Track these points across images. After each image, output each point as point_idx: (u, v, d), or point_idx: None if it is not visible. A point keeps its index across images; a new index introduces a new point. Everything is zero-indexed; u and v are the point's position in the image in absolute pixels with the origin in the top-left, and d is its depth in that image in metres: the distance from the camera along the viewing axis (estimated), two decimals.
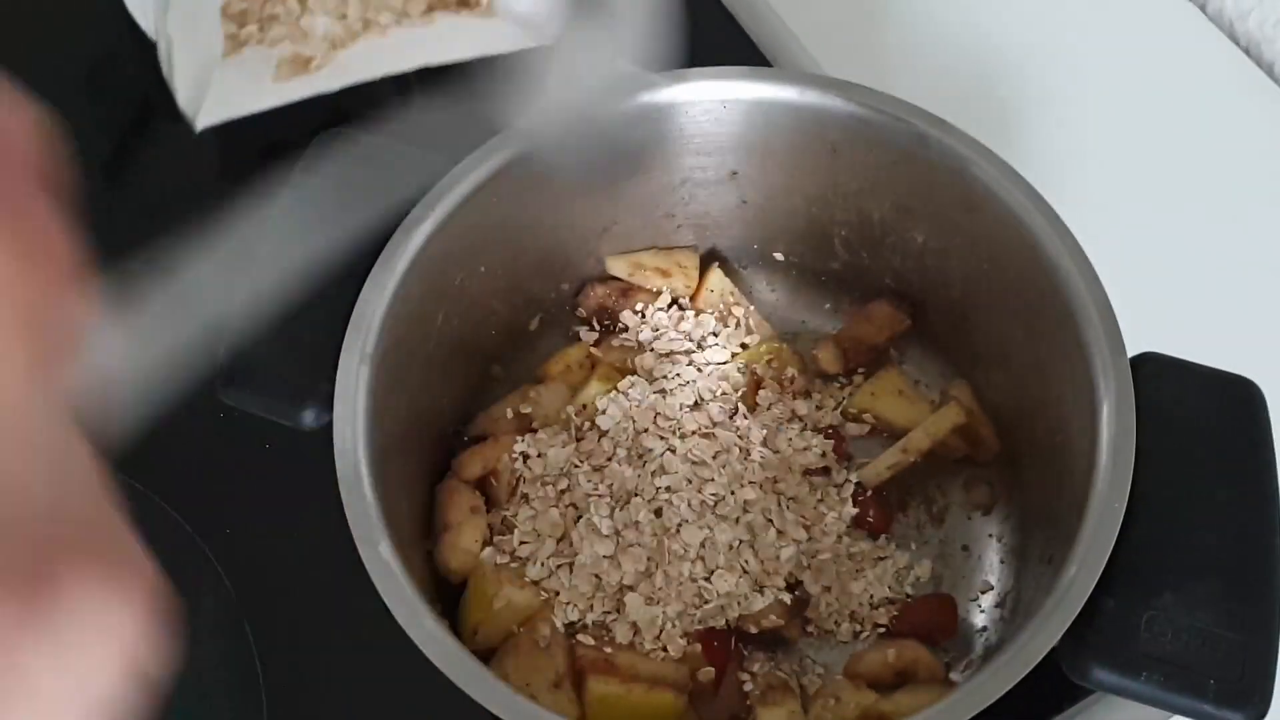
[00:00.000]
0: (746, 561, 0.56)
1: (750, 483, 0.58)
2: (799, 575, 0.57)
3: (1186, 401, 0.51)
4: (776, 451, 0.60)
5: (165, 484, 0.65)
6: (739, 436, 0.60)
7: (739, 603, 0.55)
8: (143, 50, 0.78)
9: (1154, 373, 0.51)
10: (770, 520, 0.58)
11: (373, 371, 0.52)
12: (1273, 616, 0.45)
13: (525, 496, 0.59)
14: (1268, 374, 0.52)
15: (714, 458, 0.59)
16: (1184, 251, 0.73)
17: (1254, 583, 0.46)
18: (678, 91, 0.59)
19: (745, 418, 0.61)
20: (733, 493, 0.58)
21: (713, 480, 0.58)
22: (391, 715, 0.59)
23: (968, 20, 0.84)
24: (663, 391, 0.61)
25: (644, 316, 0.65)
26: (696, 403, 0.61)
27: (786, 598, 0.56)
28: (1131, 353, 0.51)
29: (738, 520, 0.57)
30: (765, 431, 0.60)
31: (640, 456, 0.59)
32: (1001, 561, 0.59)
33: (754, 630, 0.56)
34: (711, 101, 0.59)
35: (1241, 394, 0.52)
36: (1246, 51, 0.83)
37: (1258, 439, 0.50)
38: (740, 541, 0.57)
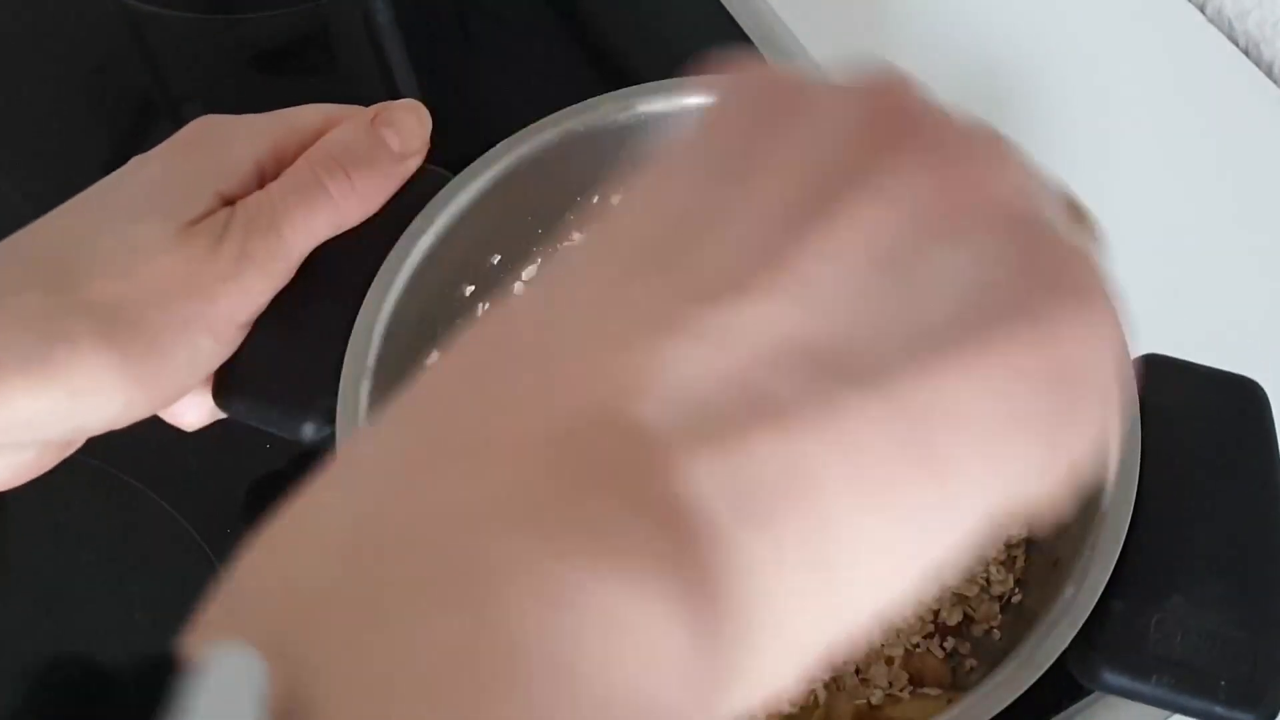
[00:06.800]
0: None
1: None
2: None
3: (1189, 402, 0.51)
4: None
5: (165, 484, 0.64)
6: None
7: None
8: (143, 50, 0.78)
9: (1155, 374, 0.51)
10: None
11: (374, 384, 0.51)
12: None
13: None
14: (1270, 374, 0.52)
15: None
16: (1184, 251, 0.73)
17: (1261, 582, 0.46)
18: (677, 99, 0.58)
19: None
20: None
21: None
22: None
23: (967, 20, 0.84)
24: None
25: None
26: None
27: None
28: (1131, 354, 0.51)
29: None
30: None
31: None
32: (1005, 564, 0.59)
33: None
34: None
35: (1244, 394, 0.51)
36: (1246, 52, 0.82)
37: (1262, 439, 0.50)
38: None
